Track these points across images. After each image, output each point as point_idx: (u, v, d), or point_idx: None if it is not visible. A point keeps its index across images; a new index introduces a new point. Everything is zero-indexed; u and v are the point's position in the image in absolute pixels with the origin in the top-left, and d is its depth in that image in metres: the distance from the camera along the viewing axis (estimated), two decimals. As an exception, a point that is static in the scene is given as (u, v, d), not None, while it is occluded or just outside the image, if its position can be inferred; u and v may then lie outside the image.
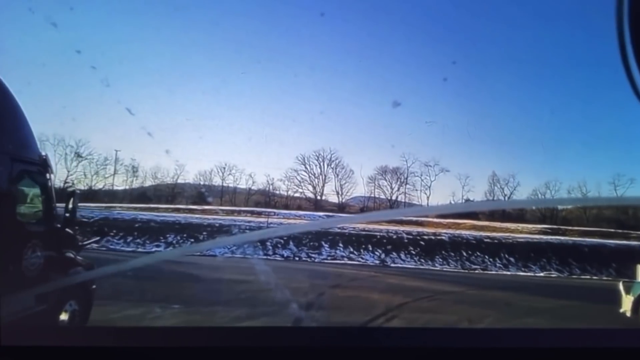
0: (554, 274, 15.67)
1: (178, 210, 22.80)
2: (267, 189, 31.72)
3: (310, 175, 31.59)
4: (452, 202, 28.77)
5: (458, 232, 19.36)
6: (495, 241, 17.50)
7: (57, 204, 3.70)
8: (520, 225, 23.90)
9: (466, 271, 15.24)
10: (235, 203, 30.48)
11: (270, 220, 20.35)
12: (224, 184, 31.90)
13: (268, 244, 15.08)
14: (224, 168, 30.88)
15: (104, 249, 13.15)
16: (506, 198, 28.54)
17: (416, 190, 31.30)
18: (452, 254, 16.44)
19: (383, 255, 15.83)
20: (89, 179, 28.31)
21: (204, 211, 22.09)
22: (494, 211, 28.53)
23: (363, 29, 29.86)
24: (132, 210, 20.09)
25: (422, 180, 30.79)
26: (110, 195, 27.94)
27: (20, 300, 2.77)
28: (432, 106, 34.00)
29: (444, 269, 15.20)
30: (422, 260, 15.90)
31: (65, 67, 27.25)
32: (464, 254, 16.49)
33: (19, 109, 3.21)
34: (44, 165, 3.51)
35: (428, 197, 30.78)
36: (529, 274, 15.46)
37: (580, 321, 7.21)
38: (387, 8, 24.92)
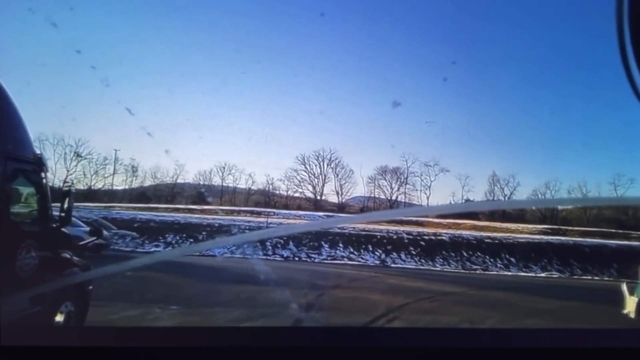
0: (555, 275, 15.66)
1: (177, 210, 22.81)
2: (267, 189, 31.77)
3: (310, 175, 31.65)
4: (452, 202, 28.82)
5: (458, 232, 19.36)
6: (496, 241, 17.49)
7: (53, 204, 3.65)
8: (521, 226, 23.88)
9: (467, 271, 15.22)
10: (235, 203, 30.48)
11: (270, 220, 20.36)
12: (224, 184, 31.95)
13: (268, 244, 15.07)
14: (224, 168, 30.93)
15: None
16: (506, 198, 28.58)
17: (416, 190, 31.36)
18: (453, 254, 16.43)
19: (383, 256, 15.81)
20: (89, 179, 28.41)
21: (203, 211, 22.10)
22: (494, 211, 28.54)
23: (363, 29, 29.96)
24: (132, 210, 20.11)
25: (422, 180, 30.84)
26: (109, 195, 27.96)
27: (14, 301, 2.72)
28: (432, 106, 34.10)
29: (445, 270, 15.17)
30: (423, 261, 15.89)
31: (65, 67, 27.41)
32: (465, 254, 16.48)
33: (12, 106, 3.15)
34: (38, 164, 3.43)
35: (428, 197, 30.84)
36: (530, 274, 15.45)
37: (582, 322, 7.19)
38: (387, 8, 24.97)
